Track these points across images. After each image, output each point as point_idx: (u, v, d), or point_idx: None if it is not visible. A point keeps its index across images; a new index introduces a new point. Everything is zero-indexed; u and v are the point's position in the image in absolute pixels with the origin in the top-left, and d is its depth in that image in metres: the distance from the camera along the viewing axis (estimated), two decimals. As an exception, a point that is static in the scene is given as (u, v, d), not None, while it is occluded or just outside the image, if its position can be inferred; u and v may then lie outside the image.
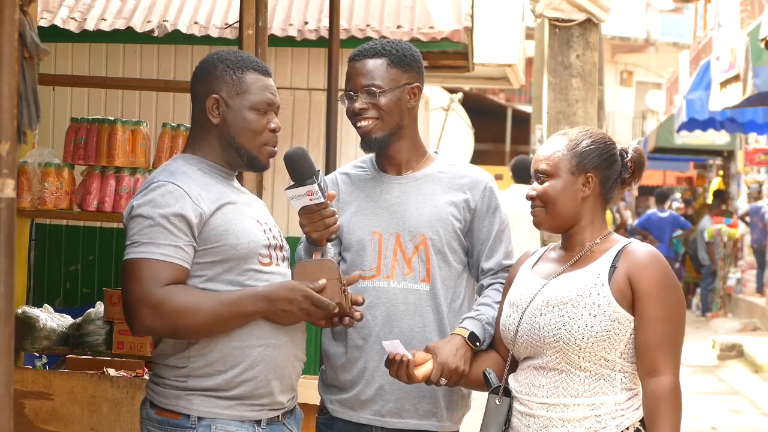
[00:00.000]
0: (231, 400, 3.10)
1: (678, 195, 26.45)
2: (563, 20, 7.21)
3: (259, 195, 4.36)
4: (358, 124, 3.50)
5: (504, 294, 3.38)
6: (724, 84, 12.89)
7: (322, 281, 3.14)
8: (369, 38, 7.11)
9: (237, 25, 5.10)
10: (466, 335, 3.37)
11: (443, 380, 3.33)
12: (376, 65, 3.49)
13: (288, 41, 7.26)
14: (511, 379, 3.28)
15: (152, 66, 7.48)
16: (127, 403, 4.57)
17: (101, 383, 4.63)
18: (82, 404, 4.61)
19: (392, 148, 3.54)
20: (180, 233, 3.04)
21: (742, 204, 20.16)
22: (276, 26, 7.22)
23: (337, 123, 6.06)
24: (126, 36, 7.19)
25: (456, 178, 3.56)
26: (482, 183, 3.57)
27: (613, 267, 3.17)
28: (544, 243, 6.80)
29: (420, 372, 3.31)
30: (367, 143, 3.52)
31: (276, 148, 3.26)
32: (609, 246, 3.24)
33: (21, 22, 3.02)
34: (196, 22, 7.23)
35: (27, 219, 5.56)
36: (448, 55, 8.33)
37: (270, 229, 3.22)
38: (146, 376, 4.78)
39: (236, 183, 3.30)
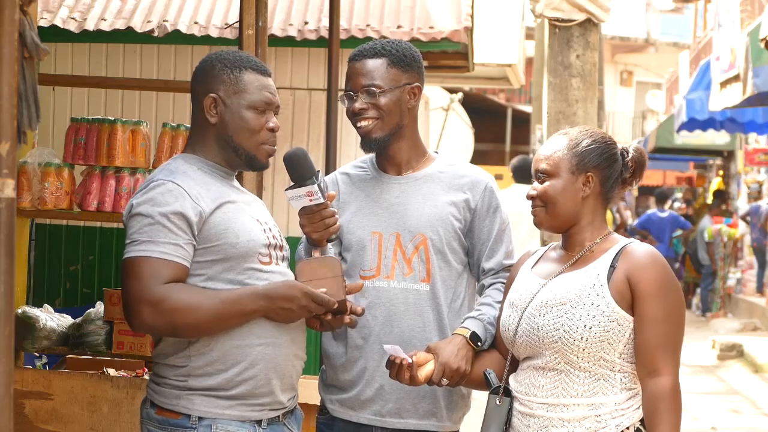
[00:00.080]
0: (231, 399, 3.10)
1: (680, 195, 26.44)
2: (563, 20, 7.21)
3: (259, 195, 4.36)
4: (358, 124, 3.50)
5: (505, 294, 3.38)
6: (724, 84, 12.89)
7: (322, 290, 3.14)
8: (369, 38, 7.10)
9: (237, 25, 5.11)
10: (468, 335, 3.37)
11: (445, 381, 3.33)
12: (376, 65, 3.49)
13: (288, 41, 7.26)
14: (511, 379, 3.28)
15: (152, 66, 7.48)
16: (127, 403, 4.57)
17: (101, 383, 4.63)
18: (82, 404, 4.61)
19: (392, 148, 3.54)
20: (180, 231, 3.05)
21: (742, 204, 20.16)
22: (276, 26, 7.22)
23: (337, 123, 6.06)
24: (126, 36, 7.19)
25: (456, 178, 3.56)
26: (482, 183, 3.57)
27: (612, 267, 3.17)
28: (544, 243, 6.80)
29: (422, 373, 3.31)
30: (367, 143, 3.52)
31: (275, 148, 3.26)
32: (609, 246, 3.23)
33: (21, 22, 3.02)
34: (196, 22, 7.23)
35: (27, 219, 5.56)
36: (448, 55, 8.33)
37: (270, 229, 3.22)
38: (146, 376, 4.78)
39: (236, 183, 3.30)
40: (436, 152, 3.67)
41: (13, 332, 2.50)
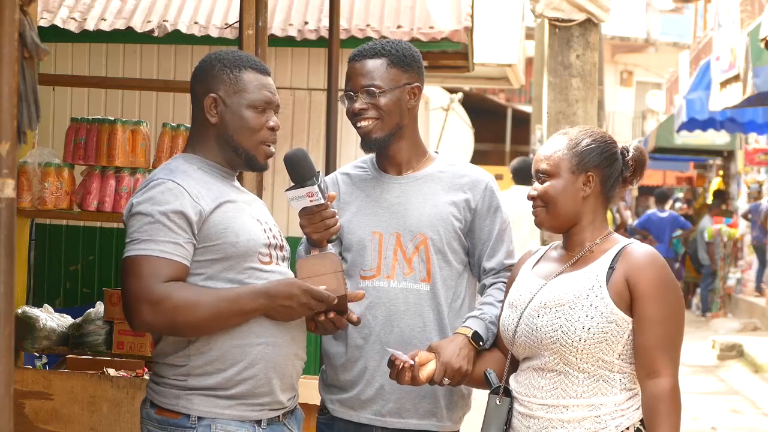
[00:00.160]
0: (231, 399, 3.10)
1: (681, 195, 26.44)
2: (563, 20, 7.21)
3: (259, 195, 4.36)
4: (358, 125, 3.50)
5: (506, 293, 3.38)
6: (724, 84, 12.89)
7: (322, 287, 3.14)
8: (369, 38, 7.10)
9: (237, 25, 5.10)
10: (470, 334, 3.37)
11: (446, 380, 3.33)
12: (375, 65, 3.49)
13: (288, 41, 7.26)
14: (511, 379, 3.28)
15: (152, 66, 7.48)
16: (127, 403, 4.57)
17: (101, 383, 4.63)
18: (82, 404, 4.61)
19: (392, 148, 3.54)
20: (180, 230, 3.05)
21: (742, 204, 20.16)
22: (276, 26, 7.22)
23: (337, 123, 6.06)
24: (126, 36, 7.19)
25: (456, 178, 3.56)
26: (483, 183, 3.57)
27: (612, 268, 3.16)
28: (544, 243, 6.80)
29: (423, 373, 3.30)
30: (367, 143, 3.52)
31: (273, 150, 3.26)
32: (609, 246, 3.23)
33: (21, 22, 3.02)
34: (196, 22, 7.23)
35: (27, 219, 5.56)
36: (448, 55, 8.33)
37: (270, 229, 3.22)
38: (146, 376, 4.78)
39: (237, 183, 3.30)
40: (437, 152, 3.67)
41: (13, 332, 2.49)
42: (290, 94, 7.39)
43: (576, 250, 3.26)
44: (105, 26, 7.21)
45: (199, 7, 7.39)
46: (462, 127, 14.71)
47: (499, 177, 16.35)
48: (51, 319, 4.92)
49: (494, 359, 3.37)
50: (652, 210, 20.43)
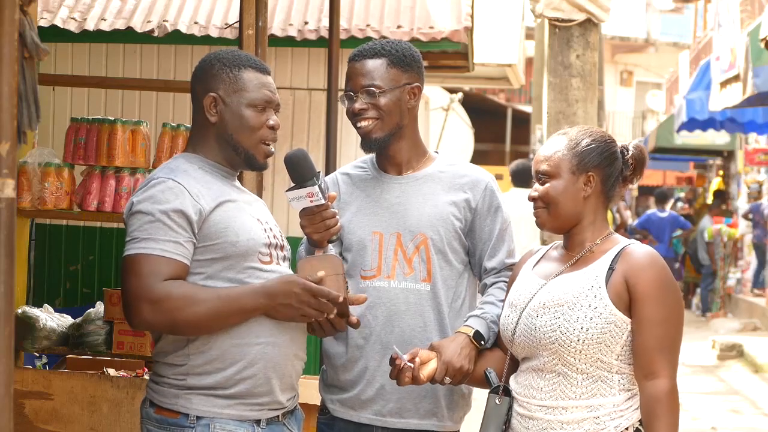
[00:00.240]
0: (230, 399, 3.10)
1: (682, 195, 26.44)
2: (563, 20, 7.21)
3: (259, 195, 4.36)
4: (358, 125, 3.50)
5: (507, 293, 3.38)
6: (724, 84, 12.89)
7: (321, 273, 3.13)
8: (369, 38, 7.11)
9: (237, 25, 5.10)
10: (471, 334, 3.37)
11: (447, 379, 3.33)
12: (375, 65, 3.49)
13: (288, 41, 7.26)
14: (511, 380, 3.28)
15: (152, 66, 7.49)
16: (127, 403, 4.57)
17: (101, 383, 4.63)
18: (82, 404, 4.61)
19: (392, 148, 3.54)
20: (180, 229, 3.05)
21: (742, 204, 20.16)
22: (276, 26, 7.22)
23: (337, 123, 6.06)
24: (126, 36, 7.19)
25: (456, 178, 3.56)
26: (483, 182, 3.57)
27: (611, 269, 3.16)
28: (544, 244, 6.80)
29: (425, 372, 3.30)
30: (367, 143, 3.52)
31: (273, 149, 3.25)
32: (609, 247, 3.23)
33: (21, 22, 3.02)
34: (196, 22, 7.23)
35: (27, 219, 5.56)
36: (448, 55, 8.33)
37: (271, 229, 3.22)
38: (146, 376, 4.78)
39: (237, 183, 3.30)
40: (437, 152, 3.67)
41: (13, 332, 2.49)
42: (290, 94, 7.39)
43: (576, 251, 3.26)
44: (105, 26, 7.21)
45: (199, 7, 7.39)
46: (462, 127, 14.72)
47: (499, 177, 16.34)
48: (51, 319, 4.92)
49: (495, 358, 3.37)
50: (652, 210, 20.43)
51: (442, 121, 13.66)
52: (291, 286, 3.10)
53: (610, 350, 3.13)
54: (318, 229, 3.26)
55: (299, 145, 5.48)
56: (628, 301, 3.13)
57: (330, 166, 5.88)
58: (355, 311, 3.29)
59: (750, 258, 18.56)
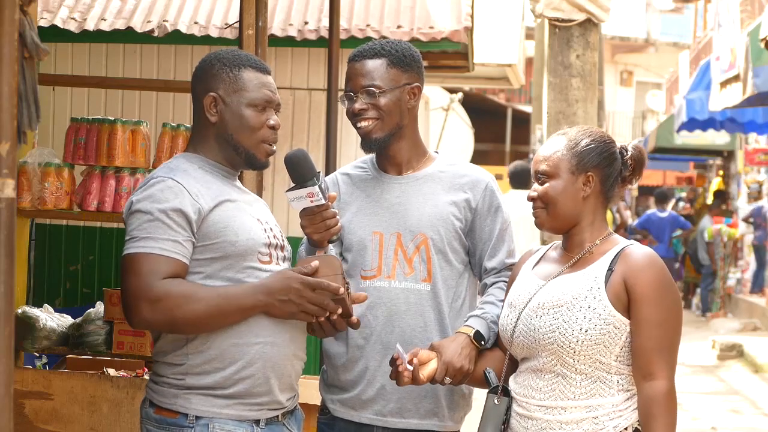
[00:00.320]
0: (229, 398, 3.10)
1: (684, 194, 26.44)
2: (563, 20, 7.22)
3: (259, 195, 4.36)
4: (358, 125, 3.50)
5: (506, 293, 3.38)
6: (724, 84, 12.89)
7: (315, 263, 3.13)
8: (369, 38, 7.11)
9: (237, 25, 5.10)
10: (472, 334, 3.37)
11: (448, 379, 3.33)
12: (375, 66, 3.49)
13: (288, 41, 7.26)
14: (511, 380, 3.28)
15: (152, 66, 7.49)
16: (127, 403, 4.57)
17: (101, 383, 4.63)
18: (82, 404, 4.61)
19: (392, 148, 3.54)
20: (179, 228, 3.05)
21: (742, 204, 20.16)
22: (276, 26, 7.22)
23: (337, 123, 6.06)
24: (126, 36, 7.19)
25: (456, 178, 3.56)
26: (483, 182, 3.57)
27: (610, 270, 3.16)
28: (544, 243, 6.80)
29: (425, 372, 3.30)
30: (367, 144, 3.52)
31: (275, 148, 3.26)
32: (608, 248, 3.23)
33: (21, 22, 3.02)
34: (196, 22, 7.23)
35: (27, 219, 5.56)
36: (448, 55, 8.33)
37: (271, 229, 3.22)
38: (146, 376, 4.78)
39: (238, 183, 3.30)
40: (437, 152, 3.67)
41: (13, 332, 2.49)
42: (290, 94, 7.39)
43: (575, 251, 3.26)
44: (105, 26, 7.22)
45: (199, 7, 7.39)
46: (462, 127, 14.72)
47: (499, 177, 16.34)
48: (51, 319, 4.92)
49: (495, 358, 3.37)
50: (652, 210, 20.42)
51: (442, 121, 13.66)
52: (289, 282, 3.10)
53: (609, 351, 3.13)
54: (318, 230, 3.26)
55: (299, 145, 5.48)
56: (626, 302, 3.13)
57: (330, 166, 5.88)
58: (355, 311, 3.29)
59: (750, 258, 18.56)
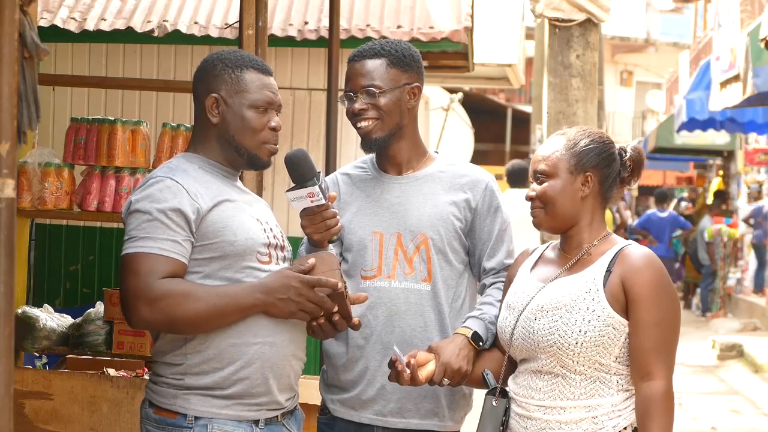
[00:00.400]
0: (228, 399, 3.09)
1: (685, 194, 26.43)
2: (563, 20, 7.22)
3: (259, 195, 4.36)
4: (358, 125, 3.50)
5: (504, 293, 3.38)
6: (724, 84, 12.89)
7: (312, 260, 3.13)
8: (369, 38, 7.11)
9: (237, 25, 5.10)
10: (469, 335, 3.37)
11: (446, 380, 3.33)
12: (375, 66, 3.49)
13: (288, 41, 7.26)
14: (510, 381, 3.28)
15: (152, 66, 7.49)
16: (127, 403, 4.57)
17: (101, 383, 4.63)
18: (82, 404, 4.61)
19: (392, 148, 3.54)
20: (178, 228, 3.05)
21: (742, 204, 20.15)
22: (276, 26, 7.22)
23: (337, 123, 6.06)
24: (126, 36, 7.20)
25: (456, 178, 3.56)
26: (483, 182, 3.57)
27: (609, 271, 3.16)
28: (543, 242, 6.80)
29: (423, 373, 3.30)
30: (367, 144, 3.52)
31: (277, 147, 3.26)
32: (606, 248, 3.23)
33: (21, 22, 3.02)
34: (196, 22, 7.23)
35: (27, 219, 5.56)
36: (448, 55, 8.33)
37: (271, 229, 3.22)
38: (146, 376, 4.78)
39: (239, 183, 3.30)
40: (437, 152, 3.67)
41: (13, 332, 2.49)
42: (290, 94, 7.39)
43: (574, 252, 3.26)
44: (105, 26, 7.22)
45: (199, 7, 7.39)
46: (462, 127, 14.72)
47: (499, 177, 16.32)
48: (51, 319, 4.92)
49: (494, 359, 3.37)
50: (652, 210, 20.43)
51: (442, 121, 13.66)
52: (288, 280, 3.10)
53: (608, 352, 3.13)
54: (319, 229, 3.26)
55: (299, 145, 5.49)
56: (624, 303, 3.13)
57: (330, 166, 5.88)
58: (355, 311, 3.29)
59: (750, 258, 18.56)
